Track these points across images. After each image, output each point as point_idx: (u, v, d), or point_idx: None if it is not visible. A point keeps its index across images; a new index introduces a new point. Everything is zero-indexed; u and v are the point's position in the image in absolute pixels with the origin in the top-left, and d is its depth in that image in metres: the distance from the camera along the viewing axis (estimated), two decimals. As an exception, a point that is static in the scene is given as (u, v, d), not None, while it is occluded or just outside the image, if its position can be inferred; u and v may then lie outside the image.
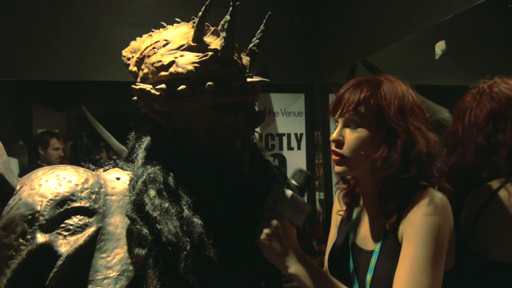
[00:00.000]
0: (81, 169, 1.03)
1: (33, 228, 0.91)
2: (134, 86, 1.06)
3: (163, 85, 1.00)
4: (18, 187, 0.98)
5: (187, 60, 0.98)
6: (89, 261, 0.94)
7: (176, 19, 1.16)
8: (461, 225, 1.26)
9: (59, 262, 0.89)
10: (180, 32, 1.08)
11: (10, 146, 3.50)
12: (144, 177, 0.98)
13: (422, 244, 0.99)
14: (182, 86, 0.98)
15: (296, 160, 3.28)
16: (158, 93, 1.00)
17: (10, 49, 2.58)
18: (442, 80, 3.09)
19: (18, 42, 2.61)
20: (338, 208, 1.34)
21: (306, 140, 3.37)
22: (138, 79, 1.09)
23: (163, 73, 1.00)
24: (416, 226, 1.01)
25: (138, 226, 0.94)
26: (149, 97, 1.02)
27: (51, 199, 0.93)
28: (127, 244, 0.97)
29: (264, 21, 1.08)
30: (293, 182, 1.13)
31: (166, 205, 0.95)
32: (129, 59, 1.16)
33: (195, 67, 0.97)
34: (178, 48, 1.02)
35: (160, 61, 1.00)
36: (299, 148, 3.35)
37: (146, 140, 1.07)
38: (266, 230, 1.00)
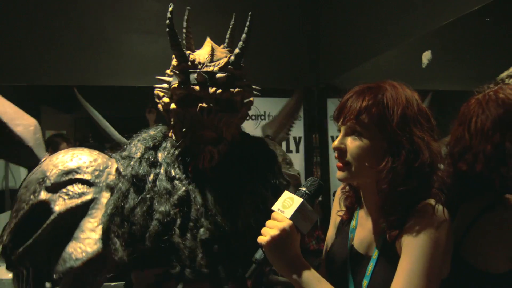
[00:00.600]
0: (95, 152, 1.26)
1: (40, 188, 1.16)
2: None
3: (164, 85, 1.24)
4: (43, 160, 1.26)
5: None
6: (78, 224, 1.15)
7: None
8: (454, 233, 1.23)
9: (51, 217, 1.12)
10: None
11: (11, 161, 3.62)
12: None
13: (420, 258, 0.98)
14: (164, 85, 1.24)
15: (294, 163, 3.27)
16: (161, 93, 1.26)
17: (21, 55, 2.66)
18: (445, 85, 3.14)
19: (29, 50, 2.69)
20: (337, 208, 1.31)
21: (305, 143, 3.41)
22: None
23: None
24: (415, 240, 1.00)
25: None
26: (156, 97, 1.28)
27: (60, 169, 1.18)
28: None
29: (248, 23, 1.18)
30: (304, 189, 1.10)
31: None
32: None
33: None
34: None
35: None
36: (297, 151, 3.39)
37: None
38: (272, 233, 1.01)
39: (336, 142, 1.11)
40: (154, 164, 1.21)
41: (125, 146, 1.27)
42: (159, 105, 1.27)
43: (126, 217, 1.12)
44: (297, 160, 3.37)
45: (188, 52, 1.21)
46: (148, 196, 1.14)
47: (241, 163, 1.27)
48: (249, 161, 1.28)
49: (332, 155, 3.12)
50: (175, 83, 1.17)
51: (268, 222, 1.05)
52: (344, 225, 1.26)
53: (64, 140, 3.34)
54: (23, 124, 1.32)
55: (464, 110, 1.29)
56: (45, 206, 1.14)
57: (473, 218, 1.22)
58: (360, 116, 1.06)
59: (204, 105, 1.12)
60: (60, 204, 1.15)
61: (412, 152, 1.02)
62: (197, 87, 1.14)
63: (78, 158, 1.22)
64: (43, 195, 1.15)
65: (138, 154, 1.21)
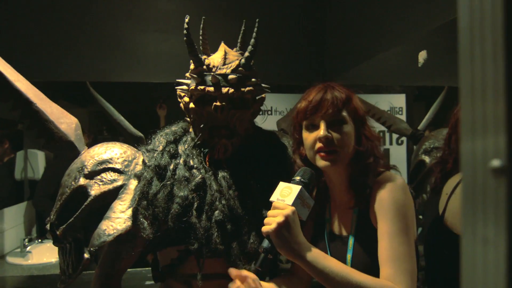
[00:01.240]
0: (125, 145, 1.47)
1: (80, 175, 1.38)
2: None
3: (184, 86, 1.41)
4: (82, 152, 1.48)
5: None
6: (109, 205, 1.34)
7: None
8: (438, 204, 1.45)
9: (88, 200, 1.34)
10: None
11: (37, 140, 3.74)
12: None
13: (393, 220, 1.13)
14: (184, 86, 1.41)
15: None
16: (182, 93, 1.42)
17: (39, 54, 2.77)
18: (449, 82, 3.17)
19: (45, 48, 2.79)
20: None
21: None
22: None
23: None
24: (386, 206, 1.16)
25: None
26: (178, 97, 1.45)
27: (96, 159, 1.40)
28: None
29: (255, 28, 1.32)
30: (299, 178, 1.18)
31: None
32: None
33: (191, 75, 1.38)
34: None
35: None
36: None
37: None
38: (278, 220, 1.06)
39: (323, 132, 1.18)
40: (174, 155, 1.38)
41: (149, 141, 1.45)
42: (181, 104, 1.43)
43: (150, 201, 1.29)
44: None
45: (204, 56, 1.36)
46: (168, 183, 1.31)
47: (253, 154, 1.41)
48: (261, 152, 1.42)
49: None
50: (193, 85, 1.33)
51: (270, 212, 1.11)
52: (320, 220, 1.37)
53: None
54: (67, 122, 1.50)
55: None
56: (83, 190, 1.36)
57: (453, 188, 1.39)
58: (346, 104, 1.22)
59: (218, 103, 1.28)
60: (95, 189, 1.36)
61: (368, 131, 1.26)
62: (211, 88, 1.29)
63: (111, 151, 1.43)
64: (82, 181, 1.37)
65: (160, 147, 1.39)
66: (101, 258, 1.41)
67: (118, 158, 1.41)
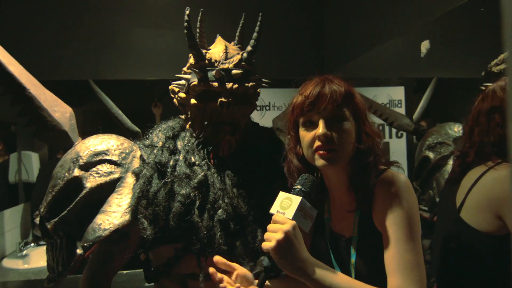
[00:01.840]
0: (122, 138, 1.41)
1: (74, 166, 1.31)
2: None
3: (182, 81, 1.37)
4: (76, 143, 1.42)
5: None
6: (105, 199, 1.28)
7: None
8: (456, 197, 1.41)
9: (83, 192, 1.27)
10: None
11: (31, 141, 3.65)
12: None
13: (399, 225, 1.07)
14: (182, 81, 1.37)
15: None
16: (176, 89, 1.39)
17: (32, 52, 2.71)
18: (449, 73, 3.14)
19: (39, 46, 2.74)
20: None
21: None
22: None
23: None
24: (390, 210, 1.09)
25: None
26: (171, 92, 1.42)
27: (91, 150, 1.33)
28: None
29: (258, 22, 1.30)
30: (299, 187, 1.09)
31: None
32: None
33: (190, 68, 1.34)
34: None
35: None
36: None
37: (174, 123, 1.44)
38: (277, 237, 0.99)
39: (322, 130, 1.11)
40: (173, 151, 1.33)
41: (146, 136, 1.40)
42: (175, 100, 1.39)
43: (151, 200, 1.24)
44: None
45: (204, 51, 1.31)
46: (169, 180, 1.27)
47: (254, 150, 1.38)
48: (259, 148, 1.39)
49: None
50: (194, 81, 1.28)
51: (270, 226, 1.04)
52: (319, 220, 1.29)
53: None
54: (61, 111, 1.44)
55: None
56: (78, 182, 1.29)
57: (474, 181, 1.35)
58: (346, 99, 1.14)
59: (223, 99, 1.25)
60: (91, 181, 1.29)
61: (369, 127, 1.17)
62: (215, 84, 1.26)
63: (107, 142, 1.36)
64: (77, 172, 1.30)
65: (160, 144, 1.34)
66: (91, 258, 1.35)
67: (114, 150, 1.35)
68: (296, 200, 1.04)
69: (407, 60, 2.93)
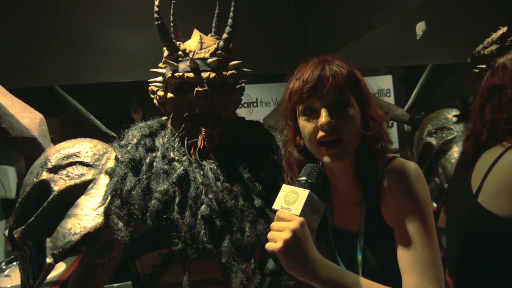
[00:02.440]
0: (96, 141, 1.34)
1: (43, 170, 1.23)
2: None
3: (159, 78, 1.31)
4: (48, 148, 1.35)
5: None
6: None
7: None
8: (471, 182, 1.32)
9: (51, 196, 1.19)
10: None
11: (6, 154, 3.52)
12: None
13: (413, 219, 0.98)
14: (160, 78, 1.31)
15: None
16: (155, 88, 1.34)
17: (2, 58, 2.57)
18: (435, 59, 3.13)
19: (7, 50, 2.59)
20: None
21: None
22: None
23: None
24: (402, 202, 0.99)
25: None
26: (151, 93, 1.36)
27: (61, 153, 1.26)
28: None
29: (232, 8, 1.25)
30: (305, 178, 0.98)
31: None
32: None
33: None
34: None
35: None
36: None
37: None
38: (284, 237, 0.88)
39: (325, 118, 0.99)
40: (151, 149, 1.26)
41: (123, 136, 1.33)
42: (155, 100, 1.34)
43: (125, 199, 1.17)
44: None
45: (178, 42, 1.29)
46: (144, 177, 1.19)
47: (239, 143, 1.33)
48: (246, 141, 1.34)
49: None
50: (169, 73, 1.24)
51: (274, 224, 0.92)
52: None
53: (53, 143, 3.26)
54: (29, 116, 1.40)
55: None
56: (46, 186, 1.22)
57: (491, 164, 1.25)
58: (349, 81, 1.01)
59: (199, 89, 1.19)
60: (60, 184, 1.21)
61: (374, 111, 1.06)
62: (191, 74, 1.21)
63: (79, 145, 1.30)
64: (44, 175, 1.22)
65: (135, 140, 1.27)
66: (74, 273, 1.28)
67: (87, 152, 1.28)
68: (303, 193, 0.91)
69: (393, 48, 2.92)
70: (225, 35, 1.25)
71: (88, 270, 1.23)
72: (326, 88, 0.99)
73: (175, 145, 1.27)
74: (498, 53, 1.63)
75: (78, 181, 1.22)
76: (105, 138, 2.24)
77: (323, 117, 0.99)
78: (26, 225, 1.19)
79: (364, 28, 2.63)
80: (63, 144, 1.32)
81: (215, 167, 1.23)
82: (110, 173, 1.23)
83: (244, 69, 1.33)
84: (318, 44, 3.24)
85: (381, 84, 3.85)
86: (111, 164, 1.26)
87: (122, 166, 1.21)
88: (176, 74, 1.22)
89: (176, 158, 1.25)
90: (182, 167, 1.21)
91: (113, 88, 3.30)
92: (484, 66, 1.73)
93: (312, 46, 3.26)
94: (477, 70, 1.74)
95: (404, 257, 0.98)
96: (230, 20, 1.25)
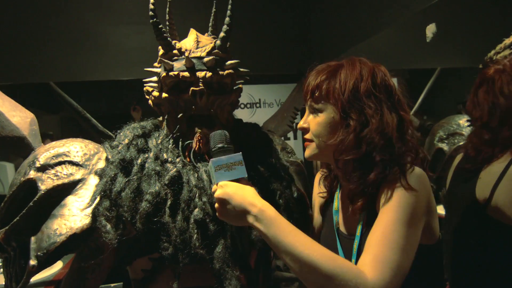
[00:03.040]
0: (87, 141, 1.31)
1: (30, 169, 1.20)
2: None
3: (154, 78, 1.29)
4: (37, 148, 1.32)
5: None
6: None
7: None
8: (476, 194, 1.28)
9: (38, 195, 1.15)
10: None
11: (6, 151, 3.52)
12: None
13: (396, 210, 0.97)
14: (155, 78, 1.29)
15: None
16: (150, 89, 1.31)
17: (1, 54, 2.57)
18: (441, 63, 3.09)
19: (7, 47, 2.59)
20: (317, 191, 1.35)
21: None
22: None
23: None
24: (391, 196, 0.99)
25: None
26: (146, 93, 1.34)
27: (50, 152, 1.23)
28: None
29: (229, 6, 1.22)
30: (211, 148, 1.05)
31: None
32: None
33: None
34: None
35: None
36: (295, 138, 3.33)
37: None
38: (216, 206, 1.01)
39: (300, 122, 1.17)
40: (143, 150, 1.23)
41: (115, 136, 1.31)
42: (150, 101, 1.31)
43: (114, 201, 1.13)
44: (296, 148, 3.28)
45: (174, 41, 1.25)
46: (135, 178, 1.16)
47: (237, 146, 1.26)
48: (243, 144, 1.28)
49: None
50: (164, 73, 1.20)
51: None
52: (328, 208, 1.28)
53: (48, 137, 3.27)
54: (20, 115, 1.37)
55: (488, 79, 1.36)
56: (33, 185, 1.18)
57: (500, 174, 1.23)
58: (314, 93, 1.12)
59: (195, 88, 1.17)
60: (47, 183, 1.18)
61: (359, 122, 1.05)
62: (186, 73, 1.18)
63: (70, 144, 1.27)
64: (32, 174, 1.19)
65: (126, 141, 1.24)
66: (63, 280, 1.25)
67: (77, 152, 1.25)
68: (210, 165, 1.02)
69: (399, 51, 2.88)
70: (222, 34, 1.22)
71: (78, 277, 1.20)
72: (306, 95, 1.15)
73: (169, 147, 1.23)
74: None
75: (66, 180, 1.19)
76: (101, 137, 2.23)
77: (301, 120, 1.18)
78: (10, 225, 1.15)
79: (370, 31, 2.58)
80: (53, 143, 1.29)
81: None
82: (100, 174, 1.19)
83: (242, 69, 1.30)
84: (323, 46, 3.23)
85: (386, 87, 3.81)
86: (102, 164, 1.23)
87: (112, 166, 1.18)
88: (171, 73, 1.19)
89: (170, 159, 1.21)
90: (175, 169, 1.17)
91: (112, 86, 3.27)
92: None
93: (317, 47, 3.26)
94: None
95: (371, 236, 0.97)
96: (227, 19, 1.21)
